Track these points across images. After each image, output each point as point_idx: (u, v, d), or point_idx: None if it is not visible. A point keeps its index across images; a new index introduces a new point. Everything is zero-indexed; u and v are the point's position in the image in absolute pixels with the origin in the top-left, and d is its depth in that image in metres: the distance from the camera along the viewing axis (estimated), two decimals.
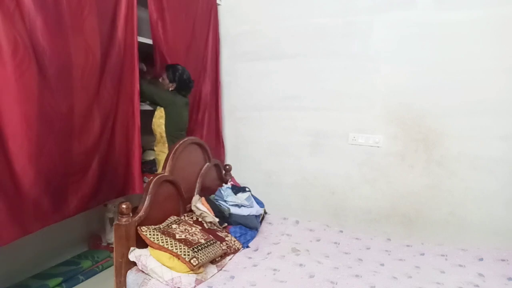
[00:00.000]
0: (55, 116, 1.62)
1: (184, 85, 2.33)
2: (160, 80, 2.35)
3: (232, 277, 1.64)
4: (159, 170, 2.20)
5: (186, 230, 1.74)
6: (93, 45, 1.78)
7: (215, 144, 2.98)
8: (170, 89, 2.31)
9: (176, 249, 1.57)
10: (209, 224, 1.96)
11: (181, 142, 2.02)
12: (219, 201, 2.20)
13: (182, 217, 1.93)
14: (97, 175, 1.92)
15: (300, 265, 1.78)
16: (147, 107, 2.42)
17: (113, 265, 1.63)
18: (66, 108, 1.67)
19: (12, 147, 1.44)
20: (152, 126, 2.31)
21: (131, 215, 1.64)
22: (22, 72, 1.44)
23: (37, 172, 1.55)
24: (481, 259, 1.86)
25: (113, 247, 1.63)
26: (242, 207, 2.18)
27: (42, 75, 1.54)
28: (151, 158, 2.66)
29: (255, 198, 2.33)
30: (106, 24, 1.87)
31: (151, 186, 1.73)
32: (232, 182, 2.47)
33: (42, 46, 1.53)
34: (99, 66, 1.84)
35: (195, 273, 1.58)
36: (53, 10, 1.57)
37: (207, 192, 2.26)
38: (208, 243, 1.70)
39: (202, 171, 2.24)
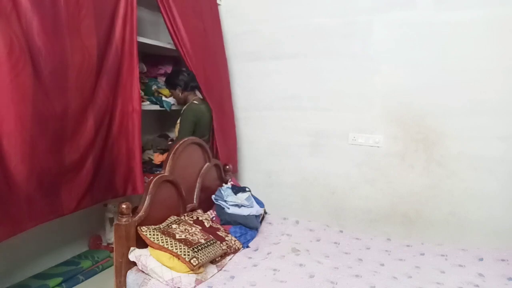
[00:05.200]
0: (49, 116, 1.63)
1: (193, 80, 2.43)
2: (181, 96, 2.48)
3: (232, 277, 1.64)
4: None
5: (186, 230, 1.74)
6: (89, 46, 1.78)
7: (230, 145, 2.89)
8: (189, 96, 2.46)
9: (176, 249, 1.57)
10: None
11: (181, 142, 2.02)
12: (219, 201, 2.20)
13: (182, 217, 1.93)
14: (92, 175, 1.92)
15: (300, 265, 1.78)
16: (147, 107, 2.42)
17: (113, 265, 1.63)
18: (60, 108, 1.68)
19: (6, 146, 1.45)
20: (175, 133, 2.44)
21: (131, 215, 1.64)
22: (17, 73, 1.44)
23: (30, 171, 1.56)
24: (481, 259, 1.86)
25: (113, 247, 1.63)
26: (242, 207, 2.18)
27: (37, 75, 1.54)
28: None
29: (255, 198, 2.33)
30: (104, 24, 1.87)
31: (151, 186, 1.73)
32: (232, 182, 2.47)
33: (38, 46, 1.53)
34: (95, 67, 1.84)
35: (195, 273, 1.58)
36: (50, 11, 1.57)
37: (207, 192, 2.26)
38: (208, 243, 1.70)
39: (202, 171, 2.24)
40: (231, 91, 2.98)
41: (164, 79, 2.88)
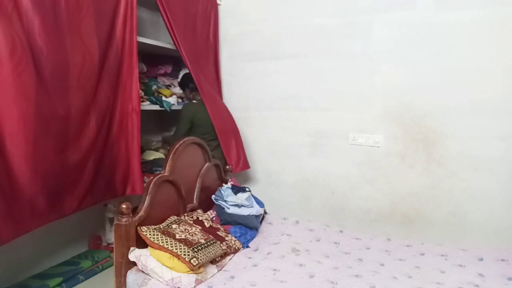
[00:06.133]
0: (52, 116, 1.62)
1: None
2: (190, 96, 2.70)
3: (232, 277, 1.64)
4: None
5: (186, 230, 1.74)
6: (90, 46, 1.78)
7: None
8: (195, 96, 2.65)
9: (176, 249, 1.57)
10: None
11: (181, 142, 2.02)
12: (219, 201, 2.20)
13: (182, 217, 1.93)
14: (93, 175, 1.92)
15: (300, 265, 1.78)
16: (147, 107, 2.42)
17: (113, 265, 1.63)
18: (62, 108, 1.67)
19: (9, 146, 1.45)
20: None
21: (131, 215, 1.64)
22: (19, 73, 1.44)
23: (33, 171, 1.55)
24: (481, 259, 1.86)
25: (113, 247, 1.63)
26: (242, 207, 2.18)
27: (39, 75, 1.54)
28: (151, 158, 2.67)
29: (255, 198, 2.33)
30: (104, 24, 1.87)
31: (151, 186, 1.73)
32: (232, 182, 2.47)
33: (39, 46, 1.53)
34: (97, 67, 1.84)
35: (195, 273, 1.58)
36: (51, 11, 1.57)
37: (207, 192, 2.26)
38: (208, 243, 1.70)
39: (202, 171, 2.24)
40: (230, 91, 2.99)
41: (164, 79, 2.89)
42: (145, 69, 2.68)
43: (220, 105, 2.77)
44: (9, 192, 1.48)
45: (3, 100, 1.41)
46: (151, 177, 1.79)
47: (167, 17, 2.23)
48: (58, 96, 1.65)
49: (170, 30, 2.27)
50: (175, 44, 2.34)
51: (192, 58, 2.44)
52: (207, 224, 1.97)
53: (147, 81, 2.66)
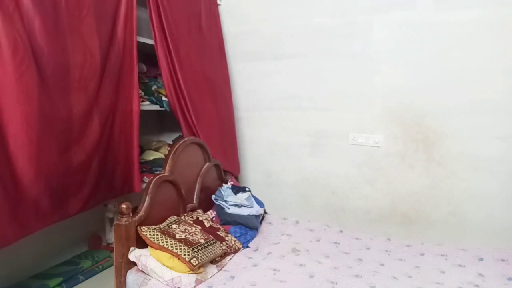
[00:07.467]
0: (55, 116, 1.62)
1: None
2: None
3: (232, 277, 1.64)
4: None
5: (186, 230, 1.74)
6: (91, 46, 1.78)
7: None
8: None
9: (176, 249, 1.57)
10: None
11: (181, 142, 2.02)
12: (219, 201, 2.20)
13: (182, 217, 1.93)
14: (96, 175, 1.92)
15: (300, 265, 1.78)
16: (147, 107, 2.42)
17: (113, 265, 1.63)
18: (64, 108, 1.67)
19: (13, 147, 1.44)
20: None
21: (131, 215, 1.64)
22: (22, 73, 1.44)
23: (37, 172, 1.55)
24: (481, 259, 1.87)
25: (113, 247, 1.63)
26: (242, 207, 2.18)
27: (40, 76, 1.53)
28: (151, 158, 2.67)
29: (255, 198, 2.33)
30: (106, 24, 1.86)
31: (151, 186, 1.74)
32: (232, 182, 2.47)
33: (40, 46, 1.53)
34: (98, 67, 1.83)
35: (195, 273, 1.58)
36: (51, 10, 1.56)
37: (207, 192, 2.26)
38: (208, 243, 1.70)
39: (202, 171, 2.24)
40: (232, 91, 2.98)
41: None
42: (145, 69, 2.68)
43: (209, 108, 2.61)
44: (13, 193, 1.47)
45: (6, 100, 1.41)
46: (151, 177, 1.79)
47: (157, 12, 2.16)
48: (60, 96, 1.64)
49: (156, 26, 2.16)
50: (155, 40, 2.18)
51: (195, 58, 2.41)
52: (207, 224, 1.97)
53: (147, 81, 2.66)
